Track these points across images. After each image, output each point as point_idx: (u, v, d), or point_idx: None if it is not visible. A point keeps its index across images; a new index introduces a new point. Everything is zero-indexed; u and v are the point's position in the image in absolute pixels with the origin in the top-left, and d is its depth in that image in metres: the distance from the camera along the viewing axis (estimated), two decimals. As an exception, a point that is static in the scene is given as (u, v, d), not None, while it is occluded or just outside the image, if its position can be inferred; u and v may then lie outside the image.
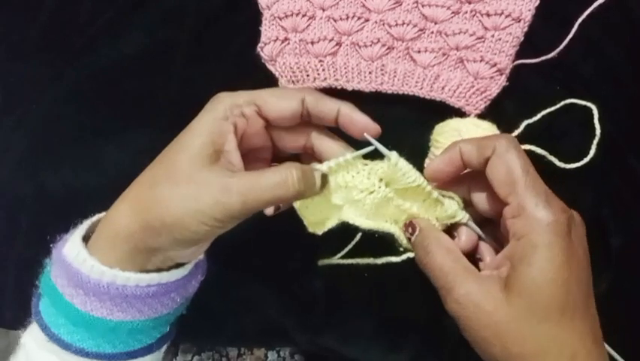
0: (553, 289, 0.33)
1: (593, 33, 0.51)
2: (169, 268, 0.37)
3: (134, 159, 0.47)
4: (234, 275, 0.49)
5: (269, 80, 0.52)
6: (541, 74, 0.51)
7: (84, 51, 0.57)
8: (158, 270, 0.37)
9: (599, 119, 0.48)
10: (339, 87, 0.51)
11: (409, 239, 0.41)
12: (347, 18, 0.51)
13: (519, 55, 0.50)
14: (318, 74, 0.51)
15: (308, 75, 0.51)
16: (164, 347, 0.42)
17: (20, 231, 0.53)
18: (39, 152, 0.55)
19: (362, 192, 0.41)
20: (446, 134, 0.47)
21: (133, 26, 0.57)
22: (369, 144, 0.40)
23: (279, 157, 0.45)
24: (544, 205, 0.35)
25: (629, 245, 0.48)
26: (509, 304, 0.34)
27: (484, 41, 0.49)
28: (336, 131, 0.43)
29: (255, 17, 0.53)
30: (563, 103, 0.49)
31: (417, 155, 0.47)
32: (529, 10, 0.49)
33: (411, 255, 0.42)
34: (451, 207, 0.40)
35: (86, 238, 0.37)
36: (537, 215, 0.35)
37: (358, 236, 0.44)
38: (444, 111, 0.49)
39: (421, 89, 0.50)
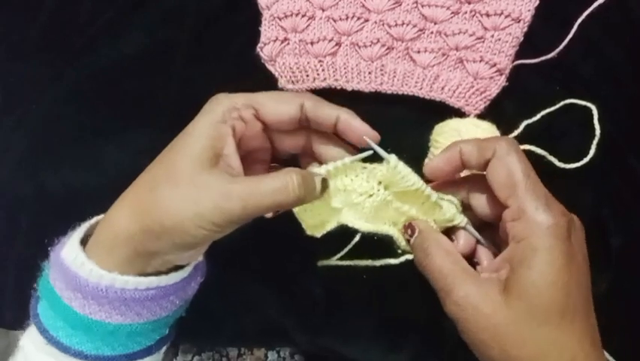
0: (553, 292, 0.33)
1: (592, 33, 0.51)
2: (168, 271, 0.37)
3: (134, 159, 0.47)
4: (234, 276, 0.49)
5: (269, 80, 0.52)
6: (540, 74, 0.51)
7: (84, 51, 0.57)
8: (157, 273, 0.36)
9: (599, 120, 0.48)
10: (338, 87, 0.51)
11: (407, 241, 0.41)
12: (347, 18, 0.51)
13: (519, 55, 0.50)
14: (318, 75, 0.51)
15: (307, 75, 0.51)
16: (164, 349, 0.42)
17: (20, 231, 0.53)
18: (39, 152, 0.54)
19: (361, 196, 0.41)
20: (446, 135, 0.47)
21: (133, 26, 0.57)
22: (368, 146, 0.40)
23: (277, 157, 0.45)
24: (545, 208, 0.35)
25: (629, 245, 0.48)
26: (508, 307, 0.34)
27: (483, 41, 0.49)
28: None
29: (254, 17, 0.53)
30: (562, 103, 0.49)
31: (416, 155, 0.48)
32: (529, 11, 0.49)
33: (409, 257, 0.42)
34: (450, 211, 0.40)
35: (84, 241, 0.37)
36: (537, 218, 0.35)
37: (358, 237, 0.44)
38: (443, 111, 0.49)
39: (421, 89, 0.50)
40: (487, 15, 0.49)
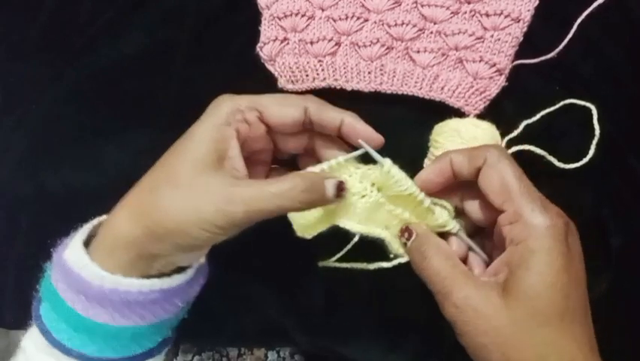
0: (552, 294, 0.33)
1: (592, 33, 0.51)
2: (170, 273, 0.37)
3: (134, 159, 0.47)
4: (234, 275, 0.49)
5: (269, 80, 0.52)
6: (540, 74, 0.51)
7: (84, 51, 0.57)
8: (160, 275, 0.36)
9: (599, 119, 0.48)
10: (338, 87, 0.51)
11: (404, 244, 0.41)
12: (346, 18, 0.51)
13: (518, 55, 0.50)
14: (318, 74, 0.51)
15: (307, 75, 0.51)
16: (165, 350, 0.42)
17: (20, 231, 0.53)
18: (39, 152, 0.55)
19: (354, 195, 0.41)
20: (445, 135, 0.46)
21: (133, 26, 0.57)
22: None
23: (277, 157, 0.44)
24: (541, 210, 0.35)
25: (629, 245, 0.48)
26: (508, 309, 0.34)
27: (483, 41, 0.49)
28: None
29: (254, 17, 0.53)
30: (562, 103, 0.49)
31: (416, 155, 0.48)
32: (529, 11, 0.49)
33: (402, 260, 0.41)
34: (442, 217, 0.40)
35: (86, 242, 0.36)
36: (534, 221, 0.35)
37: (357, 237, 0.44)
38: (443, 111, 0.49)
39: (420, 89, 0.50)
40: (487, 15, 0.49)
